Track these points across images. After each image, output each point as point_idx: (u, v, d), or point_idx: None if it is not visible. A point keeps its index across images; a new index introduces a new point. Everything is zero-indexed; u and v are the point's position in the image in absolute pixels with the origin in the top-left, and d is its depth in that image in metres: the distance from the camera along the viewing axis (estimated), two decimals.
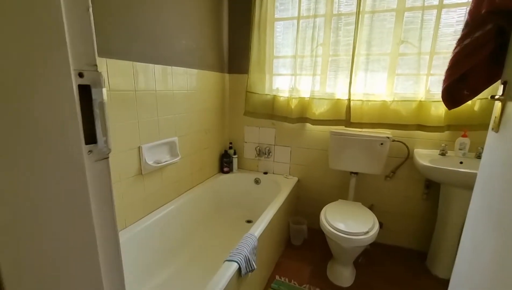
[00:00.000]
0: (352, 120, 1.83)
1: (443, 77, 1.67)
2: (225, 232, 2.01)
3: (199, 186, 2.00)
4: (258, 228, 1.40)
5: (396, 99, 1.72)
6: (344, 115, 1.86)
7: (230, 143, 2.32)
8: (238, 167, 2.35)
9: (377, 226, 1.48)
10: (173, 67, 1.59)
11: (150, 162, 1.49)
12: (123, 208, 1.35)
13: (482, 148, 1.58)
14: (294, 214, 2.19)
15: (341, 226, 1.44)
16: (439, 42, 1.65)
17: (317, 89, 1.95)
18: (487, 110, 1.51)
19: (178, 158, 1.66)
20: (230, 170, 2.29)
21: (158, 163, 1.53)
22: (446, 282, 1.66)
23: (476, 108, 1.55)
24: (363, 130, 1.83)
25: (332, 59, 1.86)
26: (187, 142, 1.80)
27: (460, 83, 0.95)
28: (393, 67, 1.76)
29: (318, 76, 1.92)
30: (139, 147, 1.40)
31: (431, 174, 1.52)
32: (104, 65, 1.16)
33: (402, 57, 1.72)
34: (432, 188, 1.79)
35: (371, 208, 1.97)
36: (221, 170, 2.29)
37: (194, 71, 1.81)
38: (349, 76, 1.79)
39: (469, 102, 1.57)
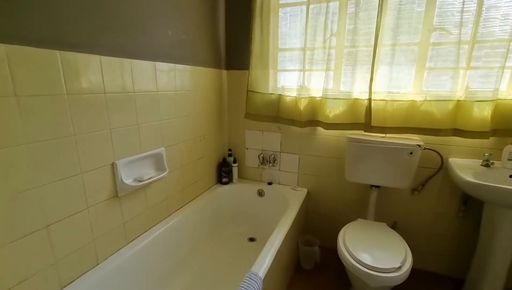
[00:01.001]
0: (373, 124, 1.53)
1: (484, 71, 1.39)
2: (225, 254, 1.73)
3: (194, 201, 1.72)
4: (264, 264, 1.12)
5: (428, 98, 1.42)
6: (363, 118, 1.56)
7: (230, 149, 2.04)
8: (239, 177, 2.07)
9: (410, 257, 1.19)
10: (156, 62, 1.30)
11: (129, 181, 1.21)
12: (93, 241, 1.07)
13: None
14: (304, 232, 1.91)
15: (366, 258, 1.15)
16: (482, 28, 1.35)
17: (331, 87, 1.65)
18: None
19: (166, 172, 1.38)
20: (229, 181, 2.01)
21: (140, 180, 1.25)
22: None
23: None
24: (387, 135, 1.54)
25: (348, 51, 1.56)
26: (177, 152, 1.52)
27: None
28: (422, 59, 1.46)
29: (331, 72, 1.62)
30: (112, 164, 1.12)
31: (476, 191, 1.23)
32: (57, 59, 0.88)
33: (435, 47, 1.42)
34: (471, 204, 1.49)
35: (394, 226, 1.69)
36: (219, 181, 2.01)
37: (185, 67, 1.52)
38: (369, 71, 1.49)
39: None
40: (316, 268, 1.73)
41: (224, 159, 1.98)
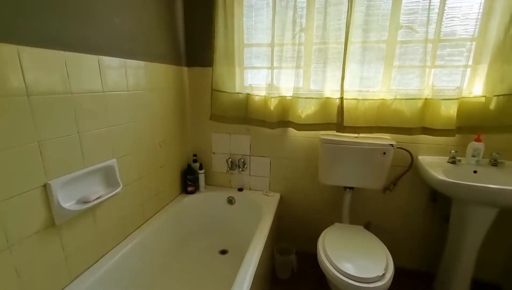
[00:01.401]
0: (345, 124, 1.48)
1: (448, 70, 1.42)
2: (195, 270, 1.56)
3: (156, 216, 1.51)
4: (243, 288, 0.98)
5: (398, 97, 1.41)
6: (335, 118, 1.51)
7: (195, 155, 1.85)
8: (207, 184, 1.90)
9: (391, 262, 1.16)
10: (101, 57, 1.07)
11: (70, 204, 0.97)
12: (22, 287, 0.83)
13: (498, 154, 1.34)
14: (278, 239, 1.82)
15: (349, 268, 1.08)
16: (444, 27, 1.37)
17: (301, 86, 1.56)
18: (506, 108, 1.26)
19: (120, 188, 1.16)
20: (196, 189, 1.83)
21: (86, 202, 1.02)
22: None
23: (492, 106, 1.30)
24: (360, 135, 1.50)
25: (318, 47, 1.48)
26: (132, 162, 1.30)
27: None
28: (390, 58, 1.44)
29: (301, 70, 1.53)
30: (45, 185, 0.88)
31: (447, 189, 1.24)
32: None
33: (402, 46, 1.41)
34: (439, 201, 1.53)
35: (367, 226, 1.68)
36: (185, 190, 1.81)
37: (138, 63, 1.30)
38: (340, 69, 1.44)
39: (483, 100, 1.32)
40: (293, 277, 1.64)
41: (189, 166, 1.79)
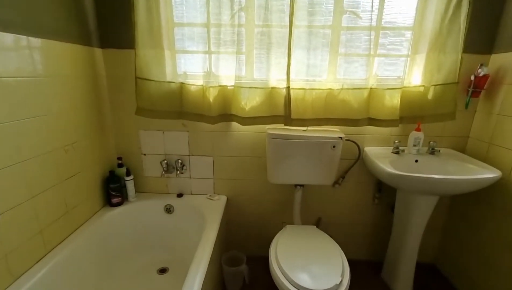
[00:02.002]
0: (293, 116, 1.36)
1: (389, 60, 1.40)
2: None
3: (69, 239, 1.17)
4: None
5: (345, 86, 1.34)
6: (282, 110, 1.37)
7: (119, 158, 1.51)
8: (138, 192, 1.58)
9: (347, 265, 1.08)
10: None
11: None
12: None
13: (435, 142, 1.38)
14: (227, 247, 1.63)
15: (305, 280, 0.96)
16: (386, 14, 1.33)
17: (244, 74, 1.38)
18: (442, 98, 1.29)
19: None
20: (123, 200, 1.51)
21: None
22: None
23: (429, 96, 1.32)
24: (308, 128, 1.40)
25: (261, 30, 1.31)
26: (18, 178, 0.94)
27: None
28: (336, 45, 1.36)
29: (243, 56, 1.34)
30: None
31: (395, 181, 1.22)
32: None
33: (347, 32, 1.33)
34: (385, 191, 1.54)
35: (318, 222, 1.61)
36: (109, 202, 1.47)
37: (27, 40, 0.93)
38: (286, 55, 1.29)
39: (422, 89, 1.33)
40: (245, 288, 1.49)
41: (112, 172, 1.45)
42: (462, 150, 1.46)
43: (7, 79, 0.89)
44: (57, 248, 1.11)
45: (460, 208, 1.49)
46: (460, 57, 1.24)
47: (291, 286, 0.96)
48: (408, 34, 1.36)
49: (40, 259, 1.04)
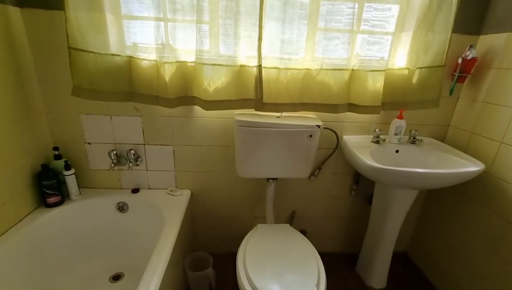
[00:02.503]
0: (265, 100, 1.17)
1: (373, 37, 1.25)
2: None
3: None
4: None
5: (324, 66, 1.17)
6: (253, 92, 1.18)
7: (56, 148, 1.24)
8: (83, 187, 1.33)
9: (322, 269, 0.96)
10: None
11: None
12: None
13: (417, 131, 1.29)
14: (191, 248, 1.46)
15: None
16: None
17: (207, 48, 1.16)
18: (427, 82, 1.18)
19: None
20: (63, 199, 1.26)
21: None
22: None
23: (414, 80, 1.20)
24: (282, 114, 1.23)
25: None
26: None
27: None
28: (314, 17, 1.17)
29: (205, 25, 1.11)
30: None
31: (375, 174, 1.11)
32: None
33: (326, 2, 1.14)
34: (362, 183, 1.44)
35: (292, 216, 1.49)
36: (44, 203, 1.22)
37: None
38: (257, 27, 1.08)
39: (406, 72, 1.21)
40: None
41: (45, 166, 1.18)
42: (442, 139, 1.39)
43: None
44: None
45: (436, 199, 1.45)
46: (449, 37, 1.11)
47: None
48: (395, 9, 1.21)
49: None
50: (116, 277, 1.28)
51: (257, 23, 1.08)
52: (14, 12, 1.05)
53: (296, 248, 1.06)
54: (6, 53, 1.02)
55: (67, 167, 1.24)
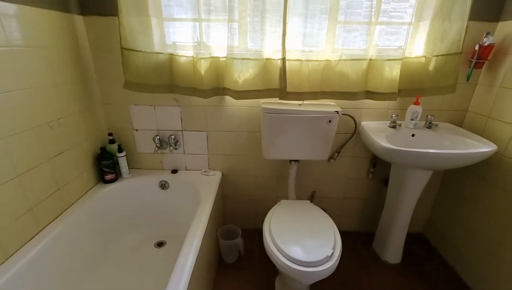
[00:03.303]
0: (288, 90, 1.30)
1: (391, 28, 1.32)
2: (128, 269, 1.31)
3: (62, 217, 1.16)
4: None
5: (343, 57, 1.27)
6: (277, 83, 1.31)
7: (110, 134, 1.47)
8: (131, 168, 1.56)
9: (339, 237, 1.10)
10: None
11: None
12: None
13: (433, 116, 1.35)
14: (223, 221, 1.66)
15: (297, 253, 0.98)
16: None
17: (237, 44, 1.30)
18: (443, 69, 1.24)
19: None
20: (116, 176, 1.49)
21: None
22: (395, 268, 1.46)
23: (430, 67, 1.26)
24: (304, 102, 1.35)
25: None
26: (4, 155, 0.90)
27: None
28: (335, 11, 1.26)
29: (235, 23, 1.25)
30: None
31: (390, 156, 1.21)
32: None
33: None
34: (379, 166, 1.54)
35: (312, 196, 1.63)
36: (102, 179, 1.46)
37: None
38: (281, 23, 1.21)
39: (423, 60, 1.27)
40: (241, 260, 1.53)
41: (103, 149, 1.42)
42: (460, 124, 1.44)
43: None
44: (50, 226, 1.11)
45: (452, 181, 1.51)
46: (466, 25, 1.17)
47: (284, 259, 0.98)
48: (412, 0, 1.27)
49: (33, 237, 1.04)
50: (160, 244, 1.51)
51: (282, 19, 1.20)
52: (78, 20, 1.26)
53: (315, 219, 1.21)
54: (72, 55, 1.24)
55: (120, 150, 1.46)
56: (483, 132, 1.30)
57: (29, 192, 1.01)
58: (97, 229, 1.35)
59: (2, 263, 0.91)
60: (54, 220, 1.14)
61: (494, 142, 1.16)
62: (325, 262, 0.96)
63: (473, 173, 1.36)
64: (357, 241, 1.68)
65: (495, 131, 1.25)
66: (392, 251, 1.49)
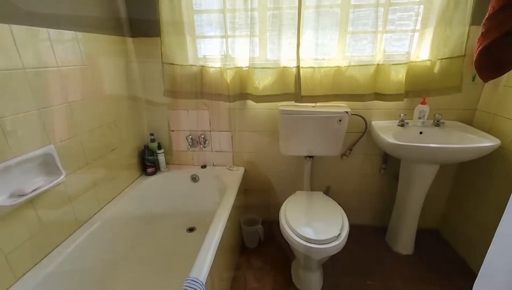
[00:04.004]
0: (303, 94, 1.48)
1: (397, 35, 1.45)
2: (162, 250, 1.55)
3: (114, 201, 1.43)
4: (204, 266, 0.99)
5: (352, 63, 1.42)
6: (293, 88, 1.49)
7: (151, 134, 1.74)
8: (168, 163, 1.82)
9: (346, 222, 1.24)
10: (13, 26, 0.90)
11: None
12: None
13: (440, 115, 1.45)
14: (245, 211, 1.85)
15: (308, 232, 1.14)
16: None
17: (257, 56, 1.51)
18: (448, 71, 1.34)
19: (62, 176, 1.05)
20: (156, 170, 1.75)
21: (21, 195, 0.92)
22: (407, 258, 1.58)
23: (436, 70, 1.37)
24: (317, 104, 1.51)
25: (272, 13, 1.41)
26: (76, 148, 1.18)
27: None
28: (344, 23, 1.42)
29: (256, 38, 1.46)
30: None
31: (397, 151, 1.33)
32: None
33: (355, 10, 1.39)
34: (390, 162, 1.64)
35: (327, 191, 1.77)
36: (145, 172, 1.73)
37: (70, 34, 1.13)
38: (296, 36, 1.39)
39: (428, 63, 1.38)
40: (261, 245, 1.71)
41: (146, 146, 1.69)
42: (470, 122, 1.50)
43: (60, 69, 1.10)
44: (107, 206, 1.38)
45: (463, 178, 1.56)
46: (467, 30, 1.26)
47: (296, 237, 1.14)
48: (417, 9, 1.38)
49: (94, 214, 1.31)
50: (191, 229, 1.74)
51: (296, 33, 1.39)
52: (129, 41, 1.55)
53: (326, 207, 1.36)
54: (126, 71, 1.52)
55: (159, 147, 1.73)
56: (490, 129, 1.37)
57: (94, 177, 1.29)
58: (139, 214, 1.61)
59: (74, 231, 1.18)
60: (111, 201, 1.42)
61: (500, 138, 1.23)
62: (333, 241, 1.11)
63: (482, 169, 1.41)
64: (370, 235, 1.77)
65: (501, 128, 1.31)
66: (404, 242, 1.57)
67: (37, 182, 0.99)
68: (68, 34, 1.13)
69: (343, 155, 1.66)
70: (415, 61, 1.40)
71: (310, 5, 1.37)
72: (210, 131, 1.75)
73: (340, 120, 1.42)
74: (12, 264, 0.91)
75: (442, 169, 1.40)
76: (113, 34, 1.42)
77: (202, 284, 0.90)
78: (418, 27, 1.40)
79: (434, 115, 1.45)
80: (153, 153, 1.71)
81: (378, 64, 1.41)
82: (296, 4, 1.34)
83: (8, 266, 0.90)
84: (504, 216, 0.53)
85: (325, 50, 1.46)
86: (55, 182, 1.02)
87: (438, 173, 1.38)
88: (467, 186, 1.54)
